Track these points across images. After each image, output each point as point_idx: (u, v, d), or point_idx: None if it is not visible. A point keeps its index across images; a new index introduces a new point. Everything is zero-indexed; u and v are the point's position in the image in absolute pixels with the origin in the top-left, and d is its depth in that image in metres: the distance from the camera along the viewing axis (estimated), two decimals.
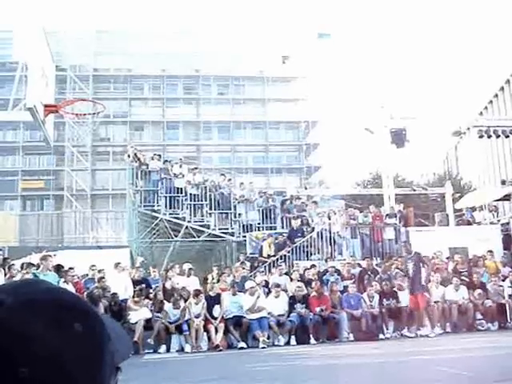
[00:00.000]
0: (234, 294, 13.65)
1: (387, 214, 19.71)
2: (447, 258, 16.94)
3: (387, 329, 13.93)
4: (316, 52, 44.56)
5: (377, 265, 16.62)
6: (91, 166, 44.36)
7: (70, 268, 13.83)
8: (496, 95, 49.59)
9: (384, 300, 14.19)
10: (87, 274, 14.51)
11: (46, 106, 8.71)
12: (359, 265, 16.40)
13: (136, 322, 12.54)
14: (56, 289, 0.86)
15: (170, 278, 14.61)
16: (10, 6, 40.93)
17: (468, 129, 23.84)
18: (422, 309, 13.81)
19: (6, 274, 12.57)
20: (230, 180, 21.48)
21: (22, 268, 12.93)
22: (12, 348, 0.72)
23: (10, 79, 31.23)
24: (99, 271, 13.97)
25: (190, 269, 15.42)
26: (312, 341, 13.14)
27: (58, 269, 13.56)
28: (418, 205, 28.81)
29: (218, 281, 14.56)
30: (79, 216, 33.50)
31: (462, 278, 15.41)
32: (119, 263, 14.74)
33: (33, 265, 13.34)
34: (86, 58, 44.11)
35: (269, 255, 17.65)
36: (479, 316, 14.74)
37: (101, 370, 0.80)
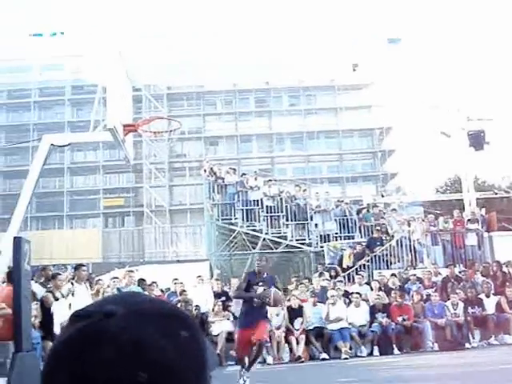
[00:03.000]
0: (314, 305, 13.59)
1: (469, 219, 19.12)
2: None
3: (473, 337, 13.50)
4: (387, 57, 43.96)
5: (460, 272, 16.16)
6: (168, 182, 45.33)
7: (153, 282, 14.15)
8: None
9: (469, 308, 13.78)
10: (169, 288, 14.81)
11: (125, 125, 8.98)
12: (441, 273, 16.00)
13: (218, 334, 12.68)
14: (157, 299, 0.92)
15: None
16: (84, 31, 42.59)
17: None
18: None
19: (92, 289, 12.99)
20: (305, 190, 21.44)
21: (107, 283, 13.35)
22: (129, 355, 0.76)
23: (89, 102, 32.45)
24: (181, 284, 14.23)
25: None
26: (395, 351, 12.91)
27: (141, 283, 13.91)
28: (501, 208, 27.83)
29: (297, 292, 14.53)
30: (159, 231, 34.28)
31: None
32: (200, 276, 14.96)
33: (116, 279, 13.77)
34: (159, 76, 45.23)
35: (348, 266, 17.47)
36: None
37: (206, 375, 0.85)
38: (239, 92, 47.33)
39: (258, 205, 19.78)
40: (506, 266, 15.89)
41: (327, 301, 13.56)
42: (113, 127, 8.05)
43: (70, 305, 10.47)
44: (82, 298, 10.50)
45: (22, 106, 46.01)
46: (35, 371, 7.60)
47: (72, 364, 0.77)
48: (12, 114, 46.85)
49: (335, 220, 19.89)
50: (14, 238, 7.63)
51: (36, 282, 11.74)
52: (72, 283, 11.01)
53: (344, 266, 17.51)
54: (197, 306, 13.34)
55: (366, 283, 15.28)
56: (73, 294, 10.64)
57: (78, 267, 11.73)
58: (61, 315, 10.41)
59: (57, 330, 10.30)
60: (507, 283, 14.83)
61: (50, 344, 9.64)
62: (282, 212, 19.84)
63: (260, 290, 8.09)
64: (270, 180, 21.38)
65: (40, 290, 11.20)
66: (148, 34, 45.77)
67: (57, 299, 10.44)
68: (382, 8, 65.81)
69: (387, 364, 11.22)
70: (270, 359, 12.65)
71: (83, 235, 37.13)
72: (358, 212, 20.25)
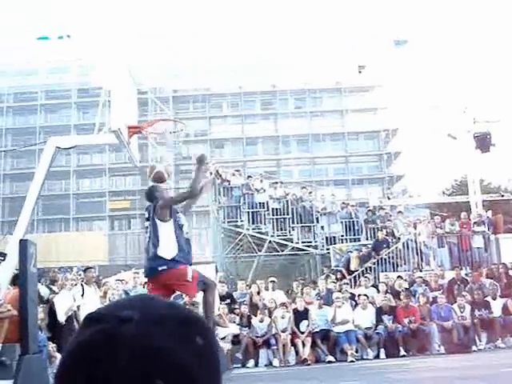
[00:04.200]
0: (320, 307, 13.56)
1: (475, 222, 19.05)
2: None
3: (480, 340, 13.44)
4: (393, 59, 43.91)
5: (466, 274, 16.11)
6: (174, 184, 45.41)
7: None
8: None
9: (476, 310, 13.72)
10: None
11: (129, 127, 8.99)
12: (447, 275, 15.95)
13: (224, 337, 12.67)
14: (172, 303, 0.91)
15: (259, 293, 14.68)
16: (91, 34, 42.73)
17: None
18: None
19: (100, 292, 13.04)
20: (311, 193, 21.43)
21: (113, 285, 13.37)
22: (145, 361, 0.76)
23: (94, 104, 32.56)
24: None
25: (275, 282, 15.45)
26: (402, 353, 12.86)
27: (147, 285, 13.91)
28: (508, 211, 27.74)
29: (303, 294, 14.52)
30: None
31: None
32: None
33: (122, 281, 13.80)
34: (165, 79, 45.35)
35: (355, 269, 17.43)
36: None
37: (221, 380, 0.86)
38: (245, 94, 47.39)
39: (263, 207, 19.78)
40: None
41: (333, 303, 13.54)
42: (117, 129, 8.06)
43: (76, 303, 10.56)
44: (91, 299, 10.61)
45: (29, 108, 46.24)
46: (41, 373, 7.62)
47: (88, 368, 0.77)
48: (18, 117, 47.09)
49: (341, 222, 19.87)
50: (20, 240, 7.66)
51: (42, 284, 11.80)
52: (82, 285, 11.10)
53: (352, 268, 17.49)
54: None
55: (372, 286, 15.25)
56: (82, 296, 10.74)
57: (86, 269, 11.90)
58: (63, 307, 10.49)
59: (61, 319, 10.36)
60: None
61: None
62: (287, 214, 19.83)
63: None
64: (275, 182, 21.38)
65: (46, 293, 11.25)
66: (154, 37, 45.90)
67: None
68: (388, 10, 65.79)
69: (394, 366, 11.18)
70: (276, 362, 12.64)
71: (89, 238, 37.23)
72: (366, 214, 20.22)
